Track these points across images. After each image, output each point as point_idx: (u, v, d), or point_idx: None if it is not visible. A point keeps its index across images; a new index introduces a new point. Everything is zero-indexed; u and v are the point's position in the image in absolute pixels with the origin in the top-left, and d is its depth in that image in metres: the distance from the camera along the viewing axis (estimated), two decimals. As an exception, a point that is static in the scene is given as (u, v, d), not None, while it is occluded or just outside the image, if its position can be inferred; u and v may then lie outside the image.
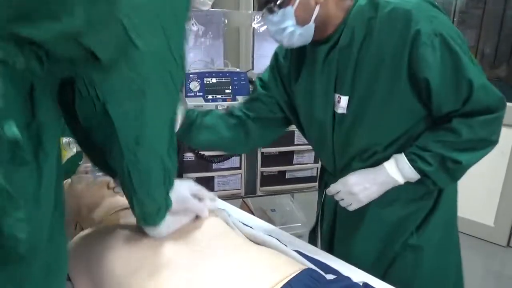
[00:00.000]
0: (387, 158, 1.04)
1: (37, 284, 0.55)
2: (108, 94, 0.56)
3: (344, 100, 1.02)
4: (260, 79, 1.23)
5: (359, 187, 1.04)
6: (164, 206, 0.74)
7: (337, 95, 1.04)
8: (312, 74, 1.08)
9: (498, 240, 2.61)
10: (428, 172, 0.99)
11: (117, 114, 0.57)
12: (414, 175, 1.01)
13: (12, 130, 0.46)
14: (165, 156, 0.66)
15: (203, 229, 0.86)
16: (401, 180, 1.02)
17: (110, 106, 0.57)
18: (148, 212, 0.73)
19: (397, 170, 1.02)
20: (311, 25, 0.98)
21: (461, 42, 0.93)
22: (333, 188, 1.09)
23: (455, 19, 3.32)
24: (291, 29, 0.98)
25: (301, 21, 0.97)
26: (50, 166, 0.53)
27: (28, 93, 0.50)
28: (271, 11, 0.97)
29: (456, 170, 1.00)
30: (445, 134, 0.98)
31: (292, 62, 1.15)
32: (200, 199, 0.88)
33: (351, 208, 1.07)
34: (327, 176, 1.24)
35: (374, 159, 1.06)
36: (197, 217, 0.87)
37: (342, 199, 1.08)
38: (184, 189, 0.84)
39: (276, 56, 1.20)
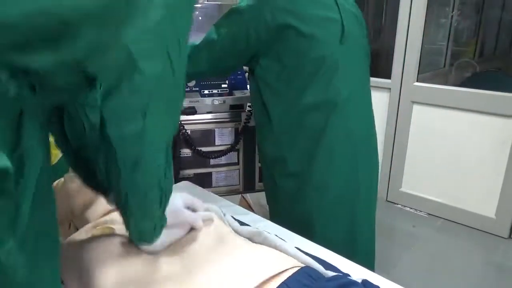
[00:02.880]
0: None
1: None
2: (107, 116, 0.54)
3: None
4: None
5: None
6: (159, 224, 0.74)
7: None
8: None
9: (500, 232, 2.59)
10: None
11: (116, 136, 0.56)
12: None
13: (3, 160, 0.42)
14: (162, 178, 0.65)
15: (198, 241, 0.84)
16: None
17: (109, 128, 0.55)
18: (144, 231, 0.73)
19: None
20: None
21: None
22: None
23: (454, 9, 3.29)
24: None
25: None
26: (29, 195, 0.49)
27: (15, 120, 0.46)
28: None
29: None
30: None
31: None
32: (193, 210, 0.88)
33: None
34: None
35: None
36: (191, 229, 0.86)
37: None
38: (177, 201, 0.84)
39: None
